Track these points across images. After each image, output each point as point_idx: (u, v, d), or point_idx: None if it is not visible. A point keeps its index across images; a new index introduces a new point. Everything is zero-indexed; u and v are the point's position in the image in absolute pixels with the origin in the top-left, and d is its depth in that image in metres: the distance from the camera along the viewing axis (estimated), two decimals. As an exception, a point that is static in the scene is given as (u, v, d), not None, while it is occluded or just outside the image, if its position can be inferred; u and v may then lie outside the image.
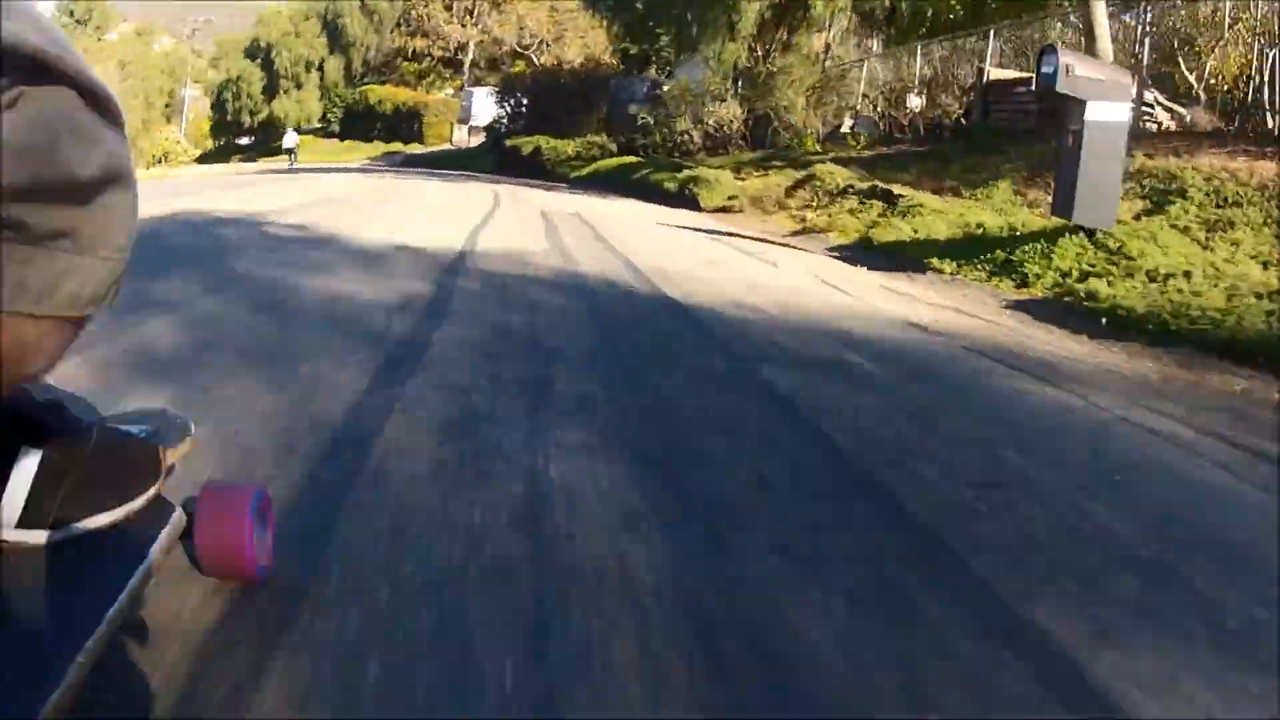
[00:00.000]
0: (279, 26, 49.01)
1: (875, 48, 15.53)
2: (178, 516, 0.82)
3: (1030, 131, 8.67)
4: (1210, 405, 2.38)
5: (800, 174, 9.41)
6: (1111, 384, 2.54)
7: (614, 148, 18.78)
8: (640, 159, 15.39)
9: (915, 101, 11.69)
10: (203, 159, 44.10)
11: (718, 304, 3.26)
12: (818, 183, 8.72)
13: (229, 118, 48.61)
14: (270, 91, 47.48)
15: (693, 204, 9.92)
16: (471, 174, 19.18)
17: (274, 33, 48.89)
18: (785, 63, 13.91)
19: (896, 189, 7.31)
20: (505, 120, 28.30)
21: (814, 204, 8.38)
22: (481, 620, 0.89)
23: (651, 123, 16.52)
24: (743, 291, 3.66)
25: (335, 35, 48.12)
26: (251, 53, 49.91)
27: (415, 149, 37.99)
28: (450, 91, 44.49)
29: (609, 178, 14.82)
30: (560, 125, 22.63)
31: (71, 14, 54.03)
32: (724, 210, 9.58)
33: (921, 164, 8.95)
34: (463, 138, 37.76)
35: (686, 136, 15.06)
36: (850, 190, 7.98)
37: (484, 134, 30.97)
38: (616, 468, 1.39)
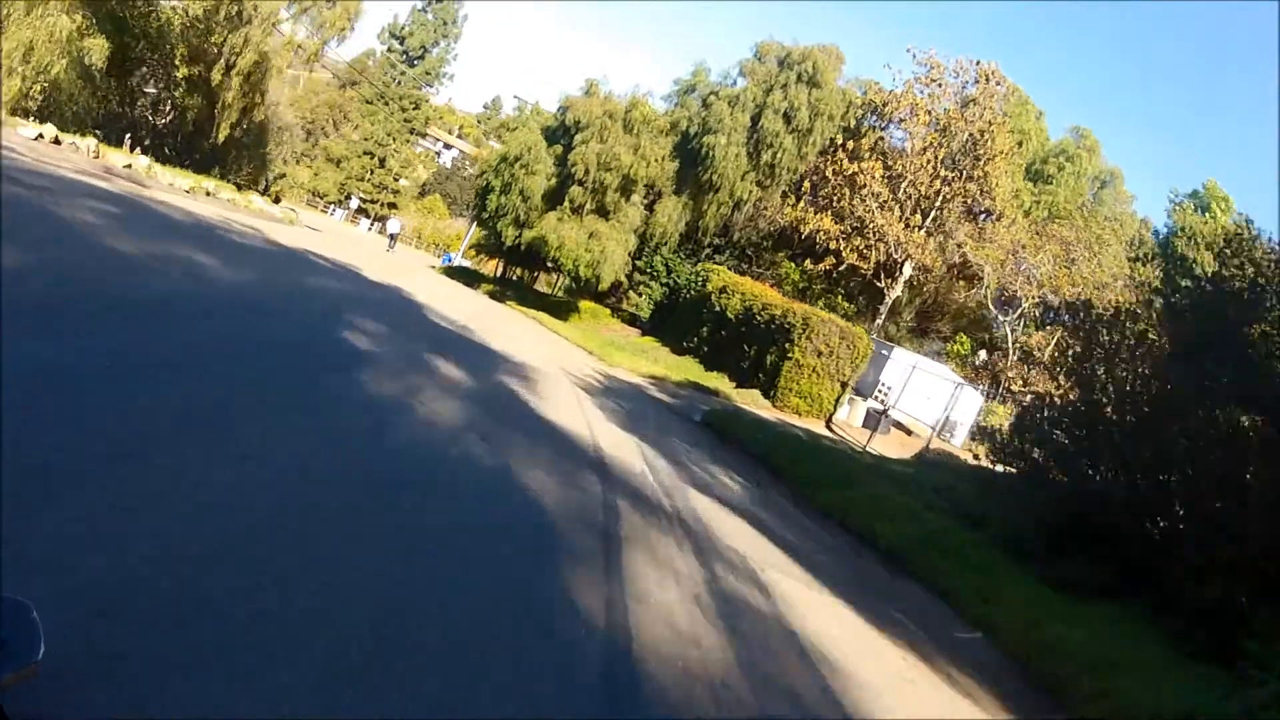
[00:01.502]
0: (602, 104, 26.21)
1: None
2: None
3: None
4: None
5: None
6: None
7: None
8: None
9: None
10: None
11: None
12: None
13: (484, 217, 29.00)
14: (553, 200, 25.71)
15: None
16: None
17: (591, 112, 25.70)
18: None
19: None
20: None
21: None
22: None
23: None
24: None
25: (694, 161, 25.56)
26: (552, 135, 27.47)
27: (751, 405, 16.62)
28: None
29: None
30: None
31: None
32: None
33: None
34: (850, 423, 17.15)
35: None
36: None
37: (900, 431, 15.07)
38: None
